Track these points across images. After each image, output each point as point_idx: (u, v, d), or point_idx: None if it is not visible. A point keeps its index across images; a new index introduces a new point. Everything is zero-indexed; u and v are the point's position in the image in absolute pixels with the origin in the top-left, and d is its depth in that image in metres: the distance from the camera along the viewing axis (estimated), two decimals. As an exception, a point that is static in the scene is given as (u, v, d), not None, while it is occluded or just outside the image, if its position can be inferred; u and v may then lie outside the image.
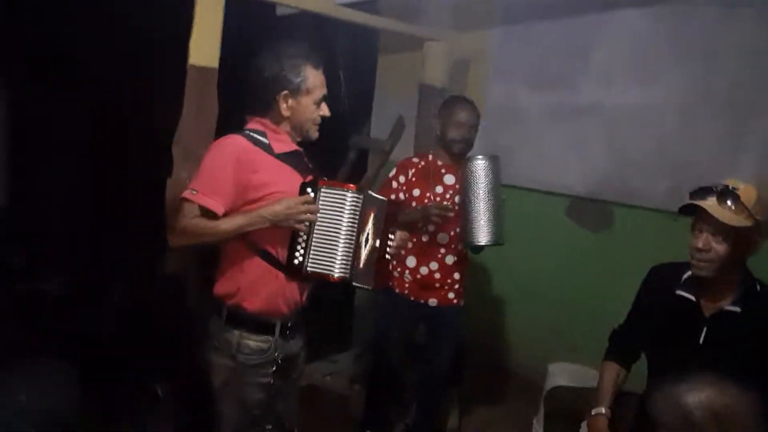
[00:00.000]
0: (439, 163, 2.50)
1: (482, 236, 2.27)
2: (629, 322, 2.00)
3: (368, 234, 1.72)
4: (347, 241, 1.66)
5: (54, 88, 2.31)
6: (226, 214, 1.64)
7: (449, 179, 2.48)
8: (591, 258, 3.22)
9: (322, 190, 1.68)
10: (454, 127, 2.43)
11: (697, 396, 0.78)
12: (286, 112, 1.72)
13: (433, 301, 2.51)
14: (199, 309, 2.16)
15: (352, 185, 1.70)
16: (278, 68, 1.69)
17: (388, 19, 3.36)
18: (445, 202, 2.43)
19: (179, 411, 2.10)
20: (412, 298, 2.51)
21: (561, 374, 2.77)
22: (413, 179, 2.48)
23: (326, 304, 2.14)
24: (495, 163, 2.31)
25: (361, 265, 1.71)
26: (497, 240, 2.29)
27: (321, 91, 1.75)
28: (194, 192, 1.62)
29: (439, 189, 2.46)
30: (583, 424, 2.12)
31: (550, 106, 3.36)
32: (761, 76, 2.73)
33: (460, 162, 2.45)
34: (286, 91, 1.70)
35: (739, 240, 1.61)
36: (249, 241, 1.68)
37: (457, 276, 2.53)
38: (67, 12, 2.30)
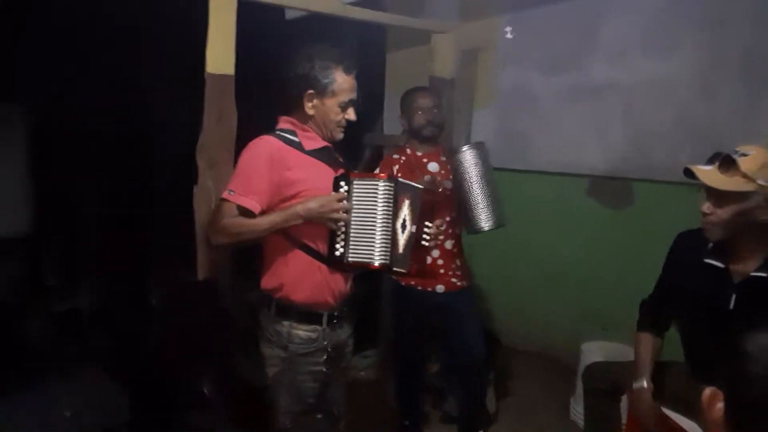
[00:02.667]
0: (419, 153, 2.54)
1: (484, 222, 2.33)
2: (659, 290, 2.02)
3: (404, 220, 1.77)
4: (384, 228, 1.72)
5: (76, 104, 2.36)
6: (263, 212, 1.69)
7: (433, 167, 2.53)
8: (616, 236, 3.22)
9: (355, 182, 1.74)
10: (417, 114, 2.50)
11: None
12: (310, 111, 1.77)
13: (440, 288, 2.54)
14: (238, 308, 2.21)
15: (383, 174, 1.75)
16: (308, 68, 1.74)
17: (395, 14, 3.39)
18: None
19: (229, 407, 2.14)
20: (420, 288, 2.54)
21: (595, 352, 2.76)
22: (399, 175, 2.49)
23: (356, 299, 2.18)
24: (481, 150, 2.36)
25: (400, 251, 1.76)
26: (499, 223, 2.35)
27: (348, 96, 1.78)
28: (231, 192, 1.69)
29: (427, 178, 2.50)
30: (624, 398, 2.13)
31: (563, 87, 3.37)
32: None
33: (437, 148, 2.54)
34: (311, 91, 1.75)
35: (743, 204, 1.62)
36: (290, 236, 1.74)
37: (458, 261, 2.57)
38: (84, 28, 2.35)
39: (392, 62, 4.00)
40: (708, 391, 0.83)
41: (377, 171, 2.58)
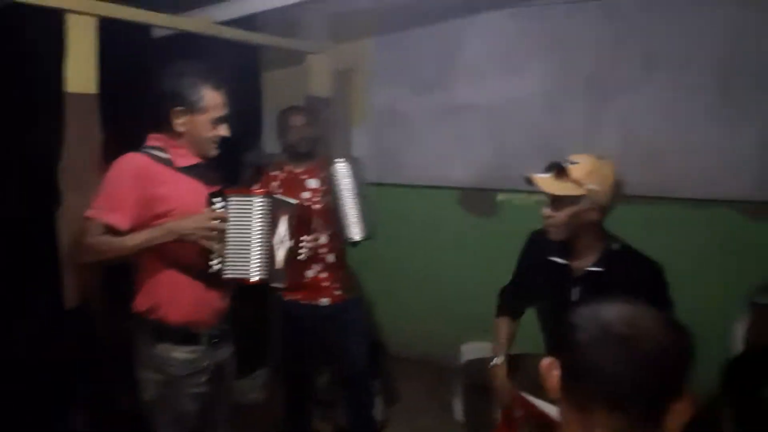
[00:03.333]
0: (298, 170, 2.61)
1: (355, 232, 2.40)
2: (514, 281, 2.22)
3: (282, 236, 1.79)
4: (260, 244, 1.72)
5: None
6: (132, 230, 1.64)
7: (313, 183, 2.60)
8: (484, 242, 3.46)
9: (230, 198, 1.73)
10: (290, 131, 2.59)
11: (614, 311, 0.87)
12: (180, 128, 1.75)
13: (324, 301, 2.58)
14: (112, 333, 2.09)
15: (258, 191, 1.76)
16: (176, 85, 1.73)
17: (267, 35, 3.42)
18: (316, 206, 2.53)
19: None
20: (304, 302, 2.57)
21: (474, 352, 2.92)
22: (280, 191, 2.53)
23: (241, 321, 2.14)
24: (355, 164, 2.46)
25: (277, 266, 1.78)
26: (369, 234, 2.43)
27: (219, 112, 1.79)
28: (96, 210, 1.63)
29: (306, 194, 2.56)
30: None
31: (431, 106, 3.59)
32: (611, 61, 3.10)
33: (316, 164, 2.61)
34: (181, 108, 1.73)
35: (575, 207, 1.82)
36: (163, 255, 1.70)
37: (342, 273, 2.64)
38: None
39: (269, 81, 4.02)
40: (545, 360, 0.94)
41: (254, 188, 2.59)
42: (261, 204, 1.74)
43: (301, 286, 2.52)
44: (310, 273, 2.54)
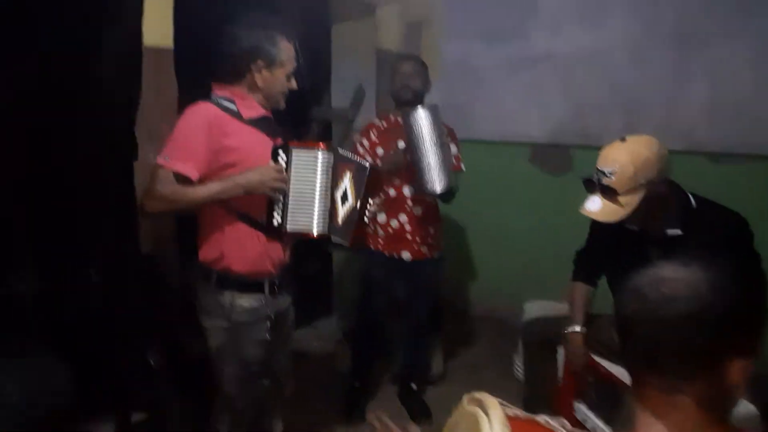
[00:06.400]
0: (400, 120, 2.57)
1: (437, 184, 2.31)
2: (588, 245, 2.14)
3: (345, 191, 1.80)
4: (322, 197, 1.74)
5: (5, 80, 2.27)
6: (200, 180, 1.68)
7: None
8: (555, 200, 3.34)
9: (294, 151, 1.75)
10: (397, 78, 2.56)
11: (648, 276, 0.87)
12: (259, 82, 1.76)
13: (406, 255, 2.58)
14: (180, 279, 2.22)
15: (321, 144, 1.77)
16: (255, 39, 1.73)
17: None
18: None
19: (176, 379, 2.15)
20: (387, 254, 2.59)
21: (536, 310, 2.87)
22: (376, 140, 2.57)
23: (305, 272, 2.19)
24: (434, 111, 2.34)
25: (340, 222, 1.80)
26: (450, 186, 2.33)
27: (292, 65, 1.80)
28: (167, 158, 1.66)
29: (402, 144, 2.53)
30: (560, 348, 2.26)
31: (504, 58, 3.46)
32: (703, 10, 2.85)
33: None
34: (261, 62, 1.74)
35: (641, 195, 1.72)
36: (228, 206, 1.73)
37: (430, 229, 2.61)
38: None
39: (338, 34, 3.99)
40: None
41: (357, 138, 2.63)
42: (324, 158, 1.75)
43: (384, 236, 2.56)
44: (394, 223, 2.56)
